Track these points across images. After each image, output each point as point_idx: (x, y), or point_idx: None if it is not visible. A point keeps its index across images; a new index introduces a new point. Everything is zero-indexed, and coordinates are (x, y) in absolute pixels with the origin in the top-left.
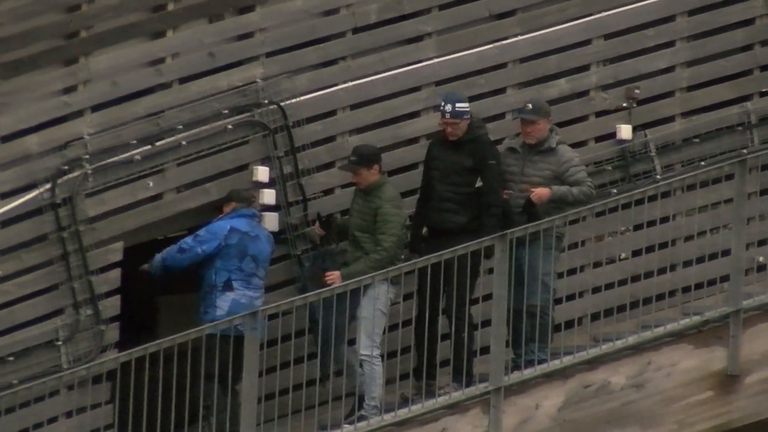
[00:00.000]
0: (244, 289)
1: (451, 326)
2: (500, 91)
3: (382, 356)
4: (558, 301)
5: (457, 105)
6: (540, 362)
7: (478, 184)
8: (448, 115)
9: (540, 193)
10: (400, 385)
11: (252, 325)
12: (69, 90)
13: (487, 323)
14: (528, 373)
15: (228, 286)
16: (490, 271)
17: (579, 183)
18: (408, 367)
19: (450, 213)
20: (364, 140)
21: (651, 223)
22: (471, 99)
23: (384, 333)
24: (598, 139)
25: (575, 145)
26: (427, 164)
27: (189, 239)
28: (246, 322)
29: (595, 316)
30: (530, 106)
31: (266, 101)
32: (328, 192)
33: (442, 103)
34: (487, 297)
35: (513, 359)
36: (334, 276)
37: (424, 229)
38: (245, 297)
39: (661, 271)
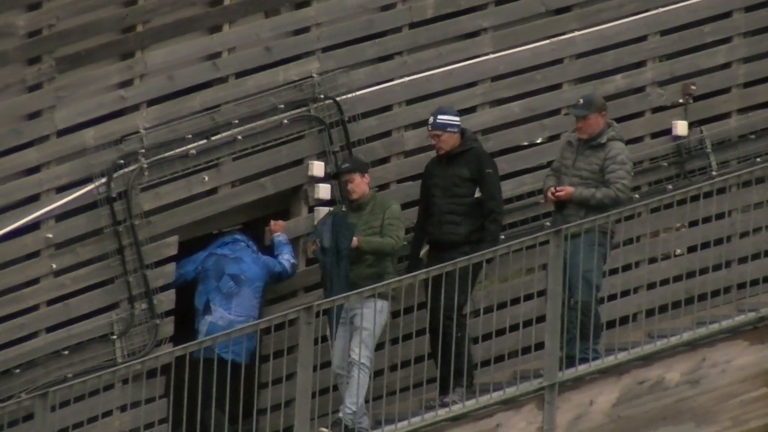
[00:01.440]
0: (222, 310)
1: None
2: (556, 86)
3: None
4: (613, 297)
5: (439, 117)
6: (594, 358)
7: (477, 194)
8: (430, 127)
9: (566, 191)
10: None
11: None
12: (125, 84)
13: (541, 319)
14: (582, 369)
15: (207, 309)
16: (544, 266)
17: (611, 182)
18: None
19: (452, 225)
20: (420, 135)
21: (706, 220)
22: (527, 94)
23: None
24: (654, 135)
25: (631, 141)
26: (425, 183)
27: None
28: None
29: (650, 312)
30: (581, 101)
31: (322, 96)
32: (383, 187)
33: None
34: (542, 293)
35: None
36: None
37: (423, 250)
38: (223, 319)
39: (717, 267)
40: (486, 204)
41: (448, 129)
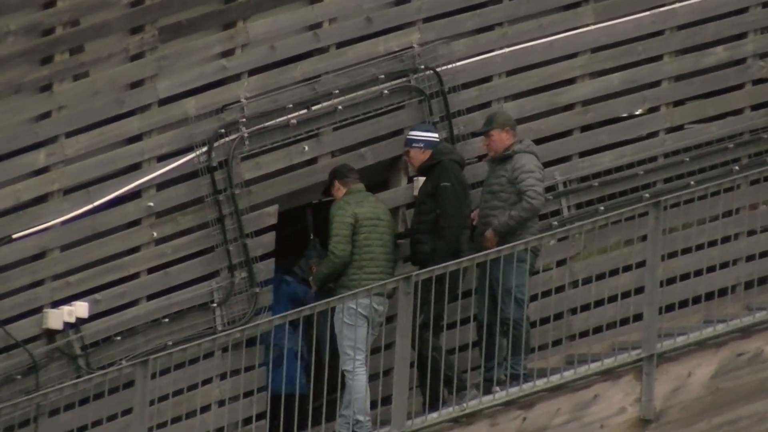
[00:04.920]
0: None
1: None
2: (657, 58)
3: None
4: (712, 269)
5: (409, 133)
6: (525, 375)
7: None
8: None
9: (488, 239)
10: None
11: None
12: (227, 54)
13: (639, 290)
14: (681, 340)
15: None
16: (644, 238)
17: (522, 192)
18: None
19: (419, 244)
20: (520, 107)
21: None
22: (627, 66)
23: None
24: (755, 107)
25: (731, 114)
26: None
27: None
28: None
29: (748, 285)
30: (486, 119)
31: (422, 67)
32: (482, 157)
33: None
34: (640, 264)
35: (484, 374)
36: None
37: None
38: None
39: None
40: (440, 220)
41: (414, 145)
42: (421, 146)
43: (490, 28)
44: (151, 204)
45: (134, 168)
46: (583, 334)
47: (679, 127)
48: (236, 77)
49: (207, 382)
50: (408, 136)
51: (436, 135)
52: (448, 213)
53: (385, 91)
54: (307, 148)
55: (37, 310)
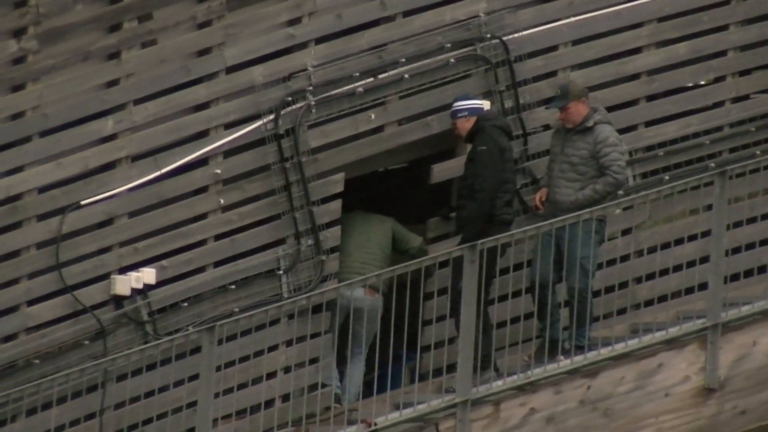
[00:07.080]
0: None
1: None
2: (723, 27)
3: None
4: None
5: (453, 105)
6: (589, 346)
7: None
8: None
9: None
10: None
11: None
12: (294, 22)
13: (704, 259)
14: (746, 310)
15: None
16: (709, 207)
17: (605, 166)
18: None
19: (461, 210)
20: (585, 76)
21: None
22: (693, 36)
23: None
24: None
25: None
26: None
27: None
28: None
29: None
30: (558, 92)
31: (489, 35)
32: (547, 127)
33: None
34: (706, 233)
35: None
36: None
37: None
38: None
39: None
40: (475, 183)
41: (458, 115)
42: (465, 114)
43: None
44: (218, 171)
45: (201, 135)
46: (648, 303)
47: (745, 97)
48: (303, 45)
49: (273, 348)
50: (452, 108)
51: (480, 102)
52: (482, 176)
53: (452, 60)
54: (373, 116)
55: (105, 276)
